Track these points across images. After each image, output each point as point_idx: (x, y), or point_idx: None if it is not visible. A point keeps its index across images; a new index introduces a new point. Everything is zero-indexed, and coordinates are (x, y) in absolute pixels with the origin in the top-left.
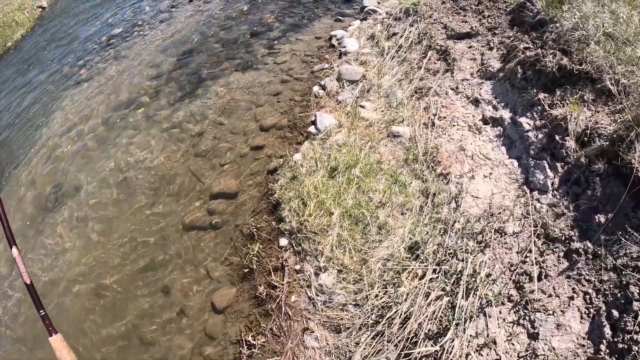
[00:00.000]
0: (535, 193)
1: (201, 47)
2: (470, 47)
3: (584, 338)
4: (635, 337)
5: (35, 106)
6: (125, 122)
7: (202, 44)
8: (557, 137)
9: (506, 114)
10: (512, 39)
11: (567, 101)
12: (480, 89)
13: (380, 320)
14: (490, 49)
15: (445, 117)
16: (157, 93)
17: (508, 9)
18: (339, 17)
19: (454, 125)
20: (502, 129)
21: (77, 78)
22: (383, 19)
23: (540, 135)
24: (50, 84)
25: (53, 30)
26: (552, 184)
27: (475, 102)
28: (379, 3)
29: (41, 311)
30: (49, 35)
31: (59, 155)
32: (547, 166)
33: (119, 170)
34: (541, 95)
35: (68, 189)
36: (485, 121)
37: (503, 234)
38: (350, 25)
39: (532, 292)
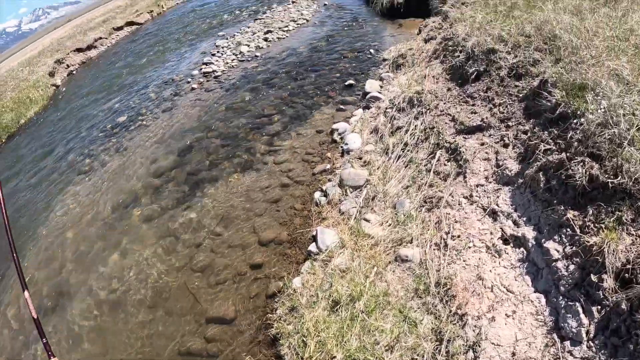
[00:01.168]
0: (567, 343)
1: (201, 143)
2: (482, 144)
3: None
4: None
5: (40, 195)
6: (123, 224)
7: (202, 139)
8: (592, 275)
9: (529, 233)
10: (529, 134)
11: (603, 224)
12: (497, 197)
13: None
14: (505, 145)
15: (459, 236)
16: (155, 193)
17: (521, 95)
18: (341, 107)
19: (469, 247)
20: (525, 252)
21: (81, 168)
22: (386, 108)
23: (571, 267)
24: (57, 172)
25: (64, 110)
26: (587, 332)
27: (493, 214)
28: (381, 87)
29: (43, 339)
30: (59, 115)
31: (53, 256)
32: (580, 310)
33: (115, 280)
34: (570, 214)
35: (61, 299)
36: (505, 240)
37: None
38: (352, 116)
39: None
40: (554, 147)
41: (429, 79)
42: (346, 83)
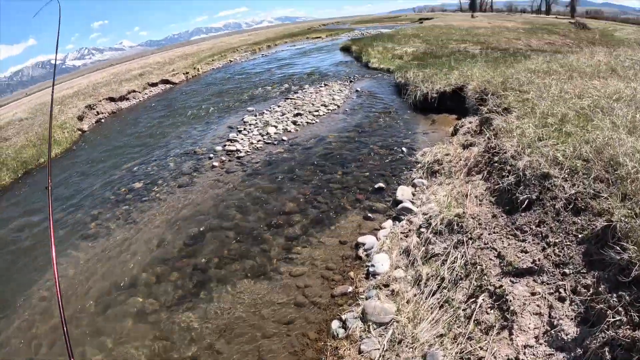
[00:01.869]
0: None
1: (213, 233)
2: (533, 294)
3: None
4: None
5: (37, 251)
6: (112, 314)
7: (215, 228)
8: None
9: None
10: (591, 291)
11: None
12: None
13: None
14: (561, 299)
15: None
16: (156, 282)
17: (580, 236)
18: (369, 214)
19: None
20: None
21: (85, 232)
22: (420, 227)
23: None
24: (60, 227)
25: (84, 159)
26: None
27: None
28: (413, 195)
29: None
30: (78, 164)
31: (38, 334)
32: None
33: None
34: None
35: None
36: None
37: None
38: (381, 228)
39: None
40: (625, 319)
41: (470, 199)
42: (376, 186)
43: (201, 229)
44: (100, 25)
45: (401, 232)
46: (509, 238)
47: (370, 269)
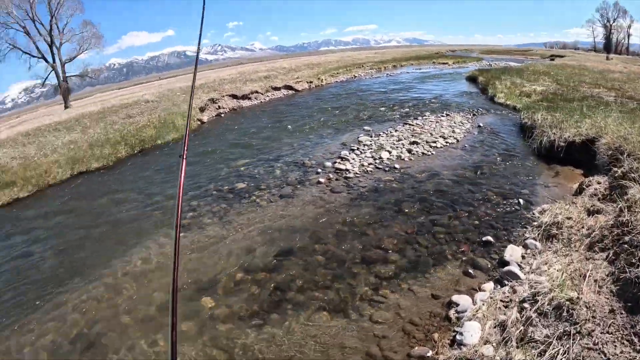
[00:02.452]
0: None
1: (304, 254)
2: None
3: None
4: None
5: (126, 227)
6: (183, 308)
7: (306, 249)
8: None
9: None
10: None
11: None
12: None
13: None
14: None
15: None
16: (234, 289)
17: None
18: (469, 270)
19: None
20: None
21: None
22: (524, 300)
23: None
24: (158, 210)
25: (197, 149)
26: None
27: None
28: (523, 259)
29: None
30: (190, 152)
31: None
32: None
33: None
34: None
35: None
36: None
37: None
38: (479, 290)
39: None
40: None
41: (588, 283)
42: (484, 239)
43: (292, 246)
44: (234, 26)
45: (501, 300)
46: (623, 344)
47: (458, 337)
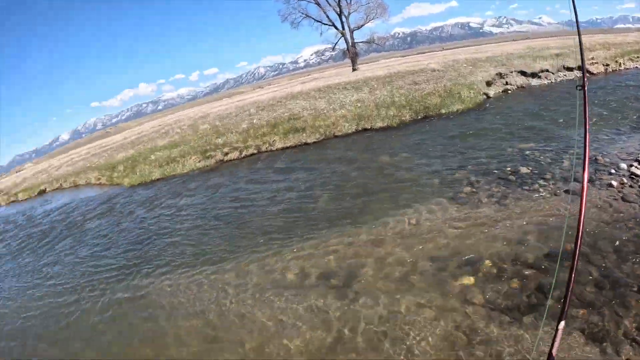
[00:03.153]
0: None
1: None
2: None
3: None
4: None
5: (400, 188)
6: (440, 284)
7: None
8: None
9: None
10: None
11: None
12: None
13: None
14: None
15: None
16: (495, 277)
17: None
18: None
19: None
20: None
21: (457, 192)
22: None
23: None
24: (437, 177)
25: (479, 124)
26: None
27: None
28: None
29: None
30: (471, 126)
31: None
32: None
33: None
34: None
35: None
36: None
37: None
38: None
39: None
40: None
41: None
42: None
43: (565, 249)
44: None
45: None
46: None
47: None
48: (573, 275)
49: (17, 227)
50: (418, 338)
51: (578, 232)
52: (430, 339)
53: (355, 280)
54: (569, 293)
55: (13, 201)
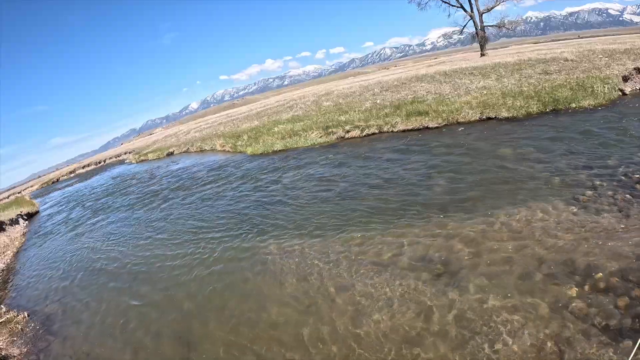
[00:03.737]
0: None
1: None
2: None
3: None
4: None
5: (519, 182)
6: (549, 291)
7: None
8: None
9: None
10: None
11: None
12: None
13: None
14: None
15: None
16: (603, 291)
17: None
18: None
19: None
20: None
21: (577, 195)
22: None
23: None
24: (558, 176)
25: (608, 123)
26: None
27: None
28: None
29: None
30: (596, 122)
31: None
32: None
33: None
34: None
35: None
36: None
37: None
38: None
39: None
40: None
41: None
42: None
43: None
44: None
45: None
46: None
47: None
48: None
49: (142, 183)
50: (506, 339)
51: None
52: (518, 342)
53: (455, 270)
54: None
55: (143, 160)
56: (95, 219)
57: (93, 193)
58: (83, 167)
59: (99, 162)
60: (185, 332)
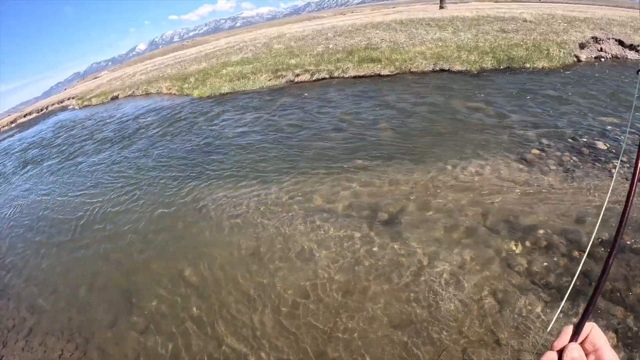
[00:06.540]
0: None
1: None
2: None
3: None
4: None
5: (469, 136)
6: (490, 244)
7: None
8: None
9: None
10: None
11: None
12: None
13: None
14: None
15: None
16: (541, 250)
17: None
18: None
19: None
20: None
21: (522, 153)
22: None
23: None
24: (507, 133)
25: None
26: None
27: None
28: None
29: None
30: (550, 85)
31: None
32: None
33: None
34: None
35: None
36: None
37: None
38: None
39: None
40: None
41: None
42: None
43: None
44: None
45: None
46: None
47: None
48: (608, 269)
49: (84, 129)
50: (449, 292)
51: (621, 223)
52: (459, 295)
53: (400, 220)
54: (598, 292)
55: (86, 105)
56: (35, 171)
57: (33, 143)
58: (25, 116)
59: (41, 110)
60: (128, 260)
